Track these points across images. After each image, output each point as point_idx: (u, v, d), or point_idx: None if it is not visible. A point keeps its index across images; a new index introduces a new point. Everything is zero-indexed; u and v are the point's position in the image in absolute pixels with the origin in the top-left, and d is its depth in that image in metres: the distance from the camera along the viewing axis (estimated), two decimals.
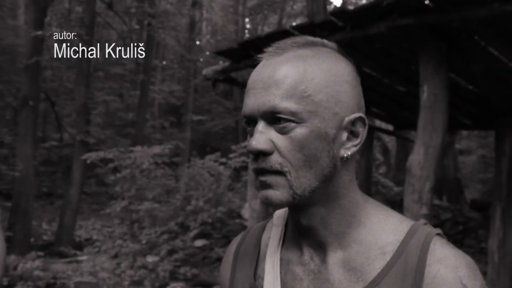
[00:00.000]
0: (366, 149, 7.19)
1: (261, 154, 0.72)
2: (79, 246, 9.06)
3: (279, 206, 0.74)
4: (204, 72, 4.95)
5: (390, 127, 7.92)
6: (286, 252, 0.81)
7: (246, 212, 6.20)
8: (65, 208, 10.15)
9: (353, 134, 0.75)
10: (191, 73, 17.31)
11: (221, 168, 7.50)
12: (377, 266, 0.73)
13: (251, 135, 0.75)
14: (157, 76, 18.67)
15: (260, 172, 0.73)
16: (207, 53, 21.10)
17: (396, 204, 7.93)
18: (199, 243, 6.82)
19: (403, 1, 2.90)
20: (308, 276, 0.77)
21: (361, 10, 3.23)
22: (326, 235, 0.76)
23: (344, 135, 0.74)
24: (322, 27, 3.52)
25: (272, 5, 18.19)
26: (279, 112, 0.70)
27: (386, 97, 5.46)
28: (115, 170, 8.30)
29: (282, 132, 0.71)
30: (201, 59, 19.76)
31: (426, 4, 2.90)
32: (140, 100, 14.26)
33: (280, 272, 0.79)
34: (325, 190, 0.74)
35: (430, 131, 3.27)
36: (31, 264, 6.34)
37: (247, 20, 22.40)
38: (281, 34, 3.77)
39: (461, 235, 6.40)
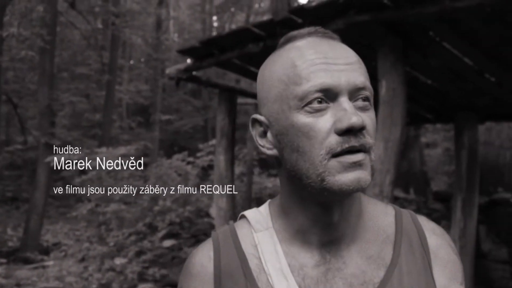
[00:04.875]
0: None
1: (360, 130, 0.68)
2: (47, 251, 8.87)
3: (363, 189, 0.69)
4: (168, 71, 4.92)
5: None
6: (292, 256, 0.75)
7: (214, 211, 6.19)
8: (31, 213, 9.92)
9: None
10: (159, 73, 17.14)
11: (189, 167, 7.47)
12: (388, 248, 0.77)
13: (317, 110, 0.69)
14: (124, 76, 18.40)
15: (352, 151, 0.68)
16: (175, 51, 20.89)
17: None
18: (167, 243, 6.77)
19: None
20: (327, 275, 0.74)
21: (319, 7, 3.25)
22: (345, 227, 0.75)
23: None
24: (282, 24, 3.54)
25: (237, 3, 18.14)
26: (366, 90, 0.71)
27: None
28: (82, 172, 8.15)
29: (364, 110, 0.70)
30: (168, 59, 19.59)
31: (381, 1, 2.95)
32: (106, 100, 14.03)
33: (296, 280, 0.73)
34: None
35: (389, 125, 3.32)
36: None
37: (214, 18, 22.30)
38: (242, 32, 3.78)
39: None
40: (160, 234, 6.72)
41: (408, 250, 0.77)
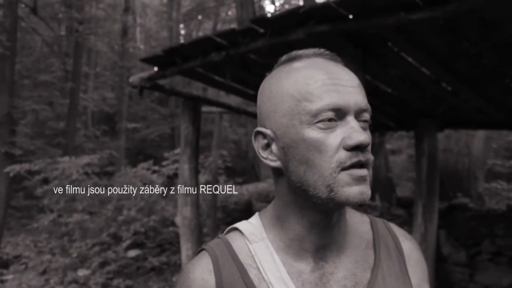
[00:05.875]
0: None
1: (366, 148, 0.75)
2: (7, 265, 8.57)
3: (365, 202, 0.75)
4: (131, 79, 4.86)
5: None
6: (289, 264, 0.79)
7: (179, 220, 6.15)
8: None
9: None
10: (125, 80, 16.91)
11: (154, 176, 7.39)
12: (370, 252, 0.84)
13: (328, 127, 0.74)
14: (89, 83, 18.08)
15: (357, 166, 0.74)
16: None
17: None
18: (132, 253, 6.66)
19: (318, 9, 3.00)
20: (323, 279, 0.79)
21: (280, 17, 3.29)
22: (337, 234, 0.81)
23: None
24: (244, 34, 3.56)
25: (203, 11, 18.11)
26: (367, 112, 0.77)
27: None
28: (45, 182, 7.95)
29: (365, 130, 0.76)
30: (134, 66, 19.37)
31: (340, 12, 3.01)
32: (69, 108, 13.74)
33: (296, 286, 0.77)
34: None
35: None
36: None
37: (181, 26, 22.18)
38: (205, 41, 3.79)
39: None
40: (125, 244, 6.60)
41: (386, 254, 0.84)
